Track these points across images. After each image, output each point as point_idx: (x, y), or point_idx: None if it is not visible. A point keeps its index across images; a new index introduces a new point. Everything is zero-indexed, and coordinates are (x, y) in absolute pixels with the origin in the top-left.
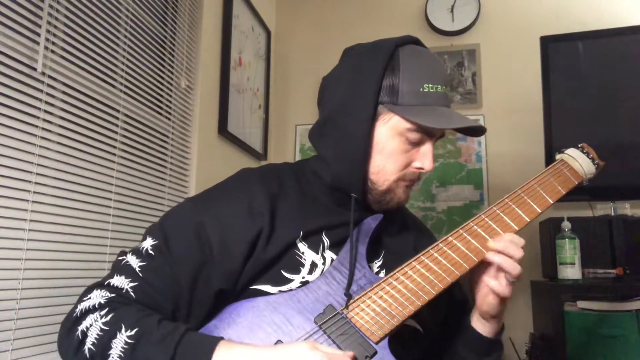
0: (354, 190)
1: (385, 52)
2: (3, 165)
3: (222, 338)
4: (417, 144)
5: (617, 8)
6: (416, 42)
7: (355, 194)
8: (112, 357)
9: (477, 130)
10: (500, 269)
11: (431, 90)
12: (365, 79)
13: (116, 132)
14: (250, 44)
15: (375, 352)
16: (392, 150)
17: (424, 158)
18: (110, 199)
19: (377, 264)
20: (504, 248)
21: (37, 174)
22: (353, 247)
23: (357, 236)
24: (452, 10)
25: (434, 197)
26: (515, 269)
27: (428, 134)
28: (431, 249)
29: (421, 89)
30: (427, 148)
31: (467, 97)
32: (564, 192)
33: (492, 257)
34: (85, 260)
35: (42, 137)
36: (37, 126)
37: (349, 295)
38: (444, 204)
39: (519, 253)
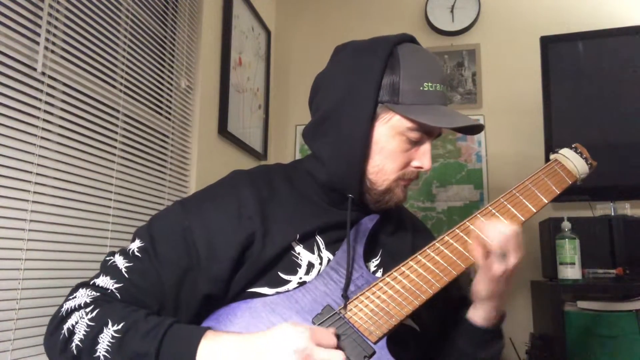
0: (350, 190)
1: (385, 50)
2: (3, 166)
3: (209, 328)
4: (416, 143)
5: (617, 8)
6: (412, 40)
7: (352, 194)
8: (100, 352)
9: (474, 128)
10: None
11: (431, 89)
12: (364, 77)
13: (116, 132)
14: (250, 44)
15: (374, 352)
16: (392, 150)
17: (423, 157)
18: (110, 199)
19: (374, 263)
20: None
21: (37, 174)
22: (350, 248)
23: (354, 236)
24: (452, 10)
25: (434, 197)
26: (495, 237)
27: (427, 133)
28: (428, 248)
29: (421, 88)
30: (426, 147)
31: (467, 97)
32: (559, 192)
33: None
34: (85, 260)
35: (42, 137)
36: (37, 126)
37: (346, 297)
38: (444, 204)
39: (504, 228)
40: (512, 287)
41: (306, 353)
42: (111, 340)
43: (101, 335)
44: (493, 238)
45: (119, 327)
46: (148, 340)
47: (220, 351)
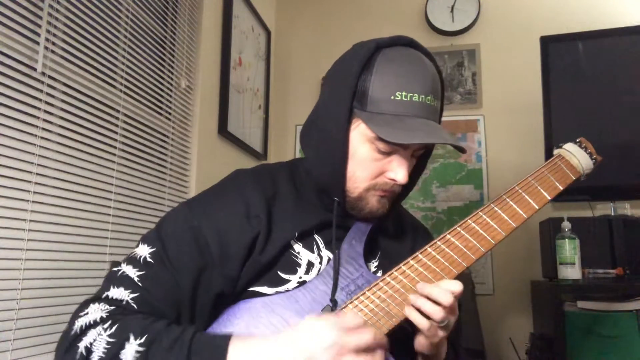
0: (336, 194)
1: (364, 54)
2: (3, 166)
3: (232, 334)
4: (389, 154)
5: (617, 8)
6: (409, 43)
7: (337, 197)
8: None
9: (457, 145)
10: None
11: (404, 99)
12: (341, 80)
13: (116, 132)
14: (250, 44)
15: None
16: (362, 157)
17: (397, 169)
18: (110, 199)
19: (373, 264)
20: (430, 293)
21: (37, 174)
22: (335, 252)
23: (354, 235)
24: (452, 10)
25: (434, 197)
26: (435, 312)
27: (397, 143)
28: (429, 247)
29: (392, 97)
30: (401, 159)
31: (467, 97)
32: (562, 188)
33: (413, 299)
34: (85, 261)
35: (42, 137)
36: (37, 126)
37: (334, 302)
38: (444, 204)
39: (445, 298)
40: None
41: (339, 345)
42: (135, 355)
43: (123, 351)
44: (434, 312)
45: (142, 340)
46: (175, 351)
47: (250, 356)
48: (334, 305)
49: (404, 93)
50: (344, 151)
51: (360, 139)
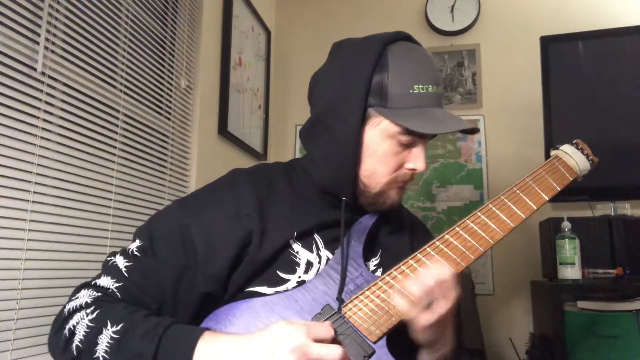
0: (344, 193)
1: (374, 51)
2: (3, 166)
3: (207, 329)
4: (408, 146)
5: (617, 8)
6: (407, 38)
7: (345, 197)
8: (99, 352)
9: (469, 129)
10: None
11: (421, 91)
12: (353, 80)
13: (116, 132)
14: (250, 44)
15: (374, 352)
16: (383, 154)
17: (417, 159)
18: (110, 199)
19: (373, 262)
20: (405, 287)
21: (37, 174)
22: (344, 250)
23: (353, 235)
24: (452, 10)
25: (434, 197)
26: (417, 289)
27: (420, 135)
28: (428, 246)
29: (411, 91)
30: (419, 149)
31: (467, 97)
32: (559, 189)
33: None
34: (85, 260)
35: (42, 137)
36: (37, 126)
37: (341, 300)
38: (444, 204)
39: (415, 289)
40: (451, 328)
41: (303, 350)
42: (110, 341)
43: (100, 336)
44: (415, 289)
45: (118, 327)
46: (146, 341)
47: (217, 352)
48: (340, 305)
49: (420, 86)
50: (357, 151)
51: (381, 135)
